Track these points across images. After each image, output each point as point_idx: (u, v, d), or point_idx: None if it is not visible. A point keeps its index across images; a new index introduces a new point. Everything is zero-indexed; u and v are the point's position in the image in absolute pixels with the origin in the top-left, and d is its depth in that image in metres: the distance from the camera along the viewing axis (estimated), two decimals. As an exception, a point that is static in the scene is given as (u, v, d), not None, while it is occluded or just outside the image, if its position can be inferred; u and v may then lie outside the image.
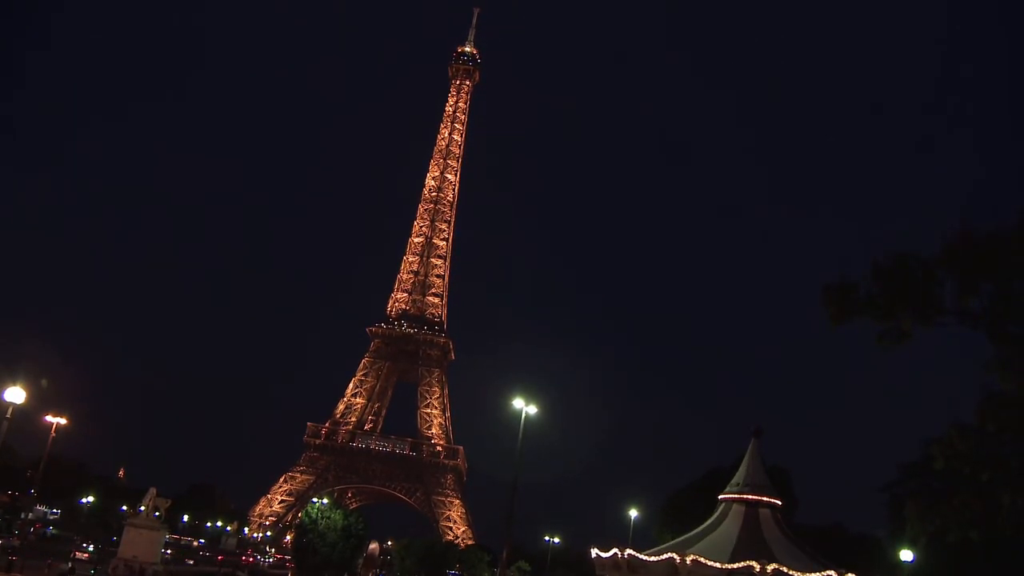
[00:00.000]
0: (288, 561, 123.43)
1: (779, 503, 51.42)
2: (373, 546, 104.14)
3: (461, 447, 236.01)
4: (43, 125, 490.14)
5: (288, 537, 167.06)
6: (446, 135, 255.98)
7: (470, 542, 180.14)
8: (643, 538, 76.75)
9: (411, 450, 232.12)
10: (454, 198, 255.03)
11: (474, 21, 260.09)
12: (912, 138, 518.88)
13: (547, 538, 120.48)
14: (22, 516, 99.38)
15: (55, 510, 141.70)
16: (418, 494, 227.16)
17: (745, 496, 50.17)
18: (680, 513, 73.27)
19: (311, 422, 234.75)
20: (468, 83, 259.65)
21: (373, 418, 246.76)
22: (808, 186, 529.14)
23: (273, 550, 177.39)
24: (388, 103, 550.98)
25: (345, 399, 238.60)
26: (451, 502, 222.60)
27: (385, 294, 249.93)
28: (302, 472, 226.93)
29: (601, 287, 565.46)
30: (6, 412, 41.37)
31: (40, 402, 56.89)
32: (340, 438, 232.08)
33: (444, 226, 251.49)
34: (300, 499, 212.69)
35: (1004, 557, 45.50)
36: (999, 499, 18.66)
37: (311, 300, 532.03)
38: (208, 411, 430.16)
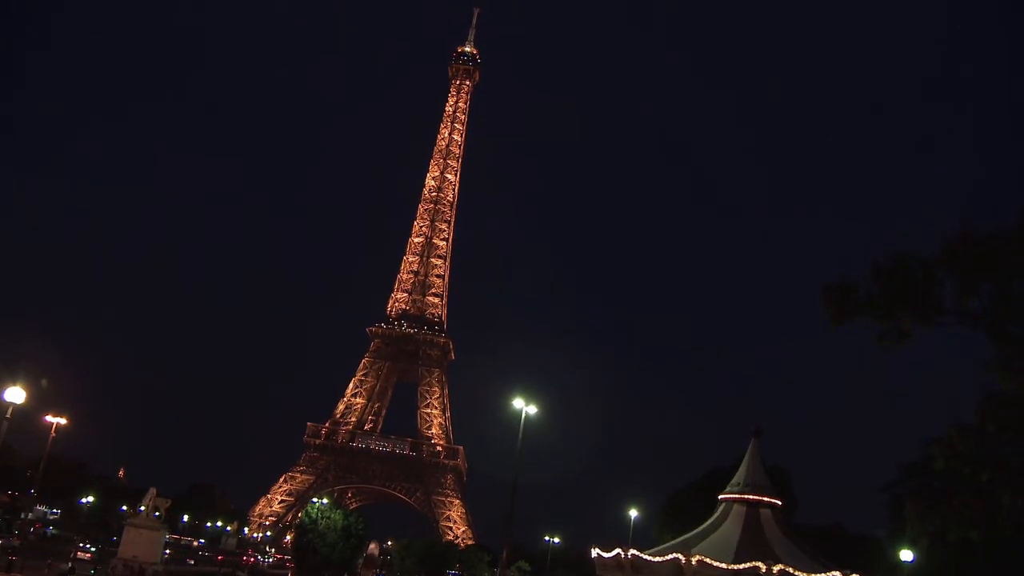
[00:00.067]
0: (288, 561, 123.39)
1: (779, 503, 51.44)
2: (372, 547, 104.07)
3: (461, 447, 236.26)
4: (43, 125, 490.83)
5: (288, 537, 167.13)
6: (446, 135, 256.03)
7: (470, 542, 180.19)
8: (643, 538, 76.75)
9: (411, 450, 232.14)
10: (454, 198, 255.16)
11: (474, 21, 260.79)
12: (912, 138, 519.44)
13: (547, 538, 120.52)
14: (22, 516, 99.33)
15: (55, 510, 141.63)
16: (418, 494, 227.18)
17: (746, 496, 50.16)
18: (680, 513, 73.27)
19: (311, 422, 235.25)
20: (468, 83, 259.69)
21: (373, 418, 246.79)
22: (808, 186, 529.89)
23: (273, 550, 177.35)
24: (388, 103, 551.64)
25: (345, 399, 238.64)
26: (451, 502, 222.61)
27: (385, 294, 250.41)
28: (302, 472, 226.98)
29: (601, 287, 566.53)
30: (6, 412, 41.36)
31: (40, 402, 56.90)
32: (340, 438, 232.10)
33: (444, 226, 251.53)
34: (300, 499, 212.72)
35: (1004, 557, 45.49)
36: (999, 499, 18.65)
37: (311, 300, 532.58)
38: (208, 411, 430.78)
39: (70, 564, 63.02)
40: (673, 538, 55.31)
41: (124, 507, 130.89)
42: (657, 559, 46.30)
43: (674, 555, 45.23)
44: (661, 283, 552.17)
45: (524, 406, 44.84)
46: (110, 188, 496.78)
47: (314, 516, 76.53)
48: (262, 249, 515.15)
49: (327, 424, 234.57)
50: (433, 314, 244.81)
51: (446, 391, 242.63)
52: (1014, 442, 19.43)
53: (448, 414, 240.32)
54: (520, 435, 44.71)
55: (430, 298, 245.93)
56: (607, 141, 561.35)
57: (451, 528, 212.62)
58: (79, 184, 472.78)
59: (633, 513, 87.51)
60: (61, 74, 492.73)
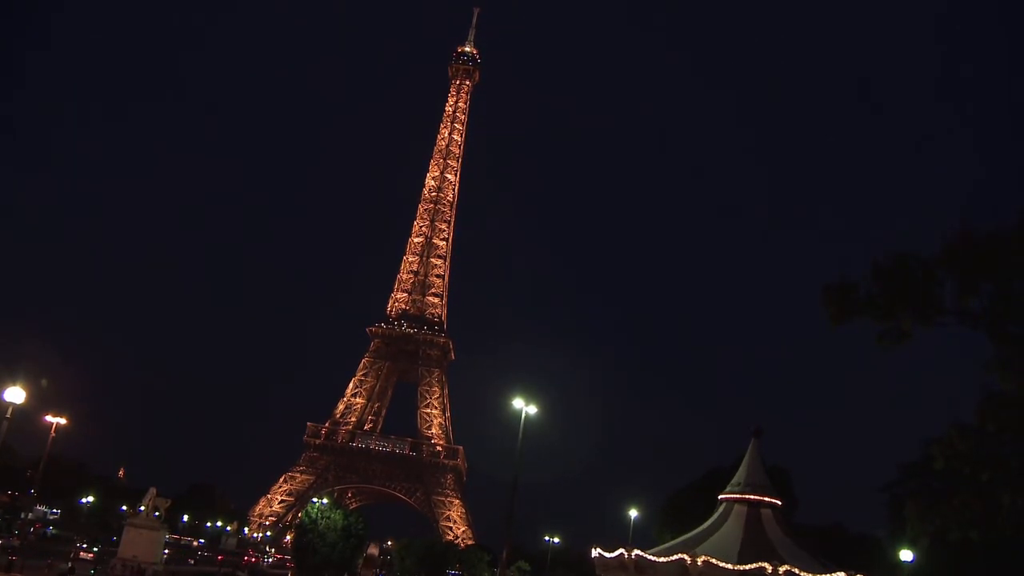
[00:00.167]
0: (288, 561, 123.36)
1: (780, 503, 51.38)
2: (372, 549, 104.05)
3: (461, 447, 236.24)
4: (43, 125, 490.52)
5: (288, 537, 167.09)
6: (446, 135, 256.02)
7: (470, 542, 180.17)
8: (643, 538, 76.79)
9: (411, 450, 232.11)
10: (454, 198, 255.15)
11: (474, 21, 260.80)
12: (912, 138, 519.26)
13: (547, 538, 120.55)
14: (22, 516, 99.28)
15: (55, 510, 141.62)
16: (418, 494, 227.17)
17: (747, 496, 50.06)
18: (680, 513, 73.25)
19: (311, 422, 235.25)
20: (468, 83, 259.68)
21: (373, 418, 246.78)
22: (808, 185, 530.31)
23: (273, 550, 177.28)
24: (388, 103, 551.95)
25: (345, 399, 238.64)
26: (451, 502, 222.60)
27: (385, 294, 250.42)
28: (302, 472, 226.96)
29: (601, 287, 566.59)
30: (6, 412, 41.36)
31: (40, 402, 56.92)
32: (340, 438, 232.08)
33: (444, 226, 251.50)
34: (300, 499, 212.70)
35: (1004, 557, 45.48)
36: (999, 499, 18.66)
37: (311, 300, 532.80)
38: (208, 411, 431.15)
39: (70, 564, 63.04)
40: (673, 538, 55.25)
41: (124, 507, 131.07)
42: (662, 559, 46.01)
43: (679, 555, 44.99)
44: (661, 283, 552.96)
45: (524, 406, 44.84)
46: (110, 188, 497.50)
47: (314, 516, 76.51)
48: (262, 249, 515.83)
49: (327, 424, 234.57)
50: (433, 314, 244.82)
51: (446, 391, 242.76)
52: (1014, 442, 19.43)
53: (448, 414, 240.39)
54: (520, 435, 44.72)
55: (430, 298, 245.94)
56: (607, 141, 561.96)
57: (451, 528, 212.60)
58: (79, 184, 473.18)
59: (633, 513, 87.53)
60: (61, 74, 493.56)
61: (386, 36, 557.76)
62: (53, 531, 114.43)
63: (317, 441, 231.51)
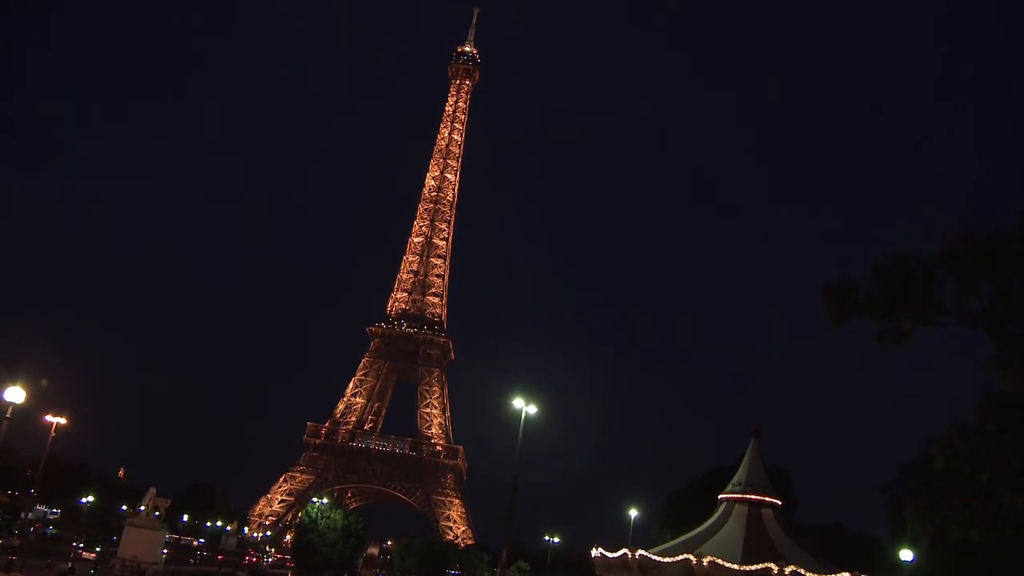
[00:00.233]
0: (288, 561, 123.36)
1: (780, 503, 51.41)
2: (372, 549, 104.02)
3: (461, 447, 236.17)
4: (43, 125, 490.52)
5: (288, 537, 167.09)
6: (446, 135, 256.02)
7: (470, 542, 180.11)
8: (643, 538, 76.71)
9: (411, 450, 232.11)
10: (454, 198, 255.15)
11: (474, 21, 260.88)
12: (912, 138, 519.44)
13: (547, 538, 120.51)
14: (22, 516, 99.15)
15: (55, 510, 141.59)
16: (418, 494, 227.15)
17: (747, 496, 50.10)
18: (680, 513, 73.32)
19: (311, 422, 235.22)
20: (468, 83, 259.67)
21: (373, 418, 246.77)
22: (808, 186, 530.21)
23: (273, 550, 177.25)
24: (388, 103, 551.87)
25: (345, 399, 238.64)
26: (451, 502, 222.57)
27: (385, 294, 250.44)
28: (302, 472, 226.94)
29: (601, 287, 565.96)
30: (6, 412, 41.35)
31: (40, 402, 56.88)
32: (340, 438, 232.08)
33: (444, 226, 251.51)
34: (300, 499, 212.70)
35: (1004, 557, 45.49)
36: (999, 499, 18.65)
37: (311, 300, 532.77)
38: (208, 411, 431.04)
39: (70, 564, 62.99)
40: (673, 538, 55.29)
41: (124, 507, 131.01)
42: (667, 560, 45.97)
43: (684, 556, 45.02)
44: (661, 283, 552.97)
45: (524, 406, 44.82)
46: (110, 188, 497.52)
47: (314, 516, 76.51)
48: (262, 249, 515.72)
49: (327, 424, 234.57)
50: (433, 314, 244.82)
51: (446, 391, 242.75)
52: (1014, 442, 19.42)
53: (448, 414, 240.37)
54: (520, 435, 44.68)
55: (430, 298, 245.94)
56: (607, 141, 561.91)
57: (451, 528, 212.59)
58: (79, 184, 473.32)
59: (633, 513, 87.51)
60: (61, 74, 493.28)
61: (386, 36, 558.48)
62: (53, 531, 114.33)
63: (317, 441, 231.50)
